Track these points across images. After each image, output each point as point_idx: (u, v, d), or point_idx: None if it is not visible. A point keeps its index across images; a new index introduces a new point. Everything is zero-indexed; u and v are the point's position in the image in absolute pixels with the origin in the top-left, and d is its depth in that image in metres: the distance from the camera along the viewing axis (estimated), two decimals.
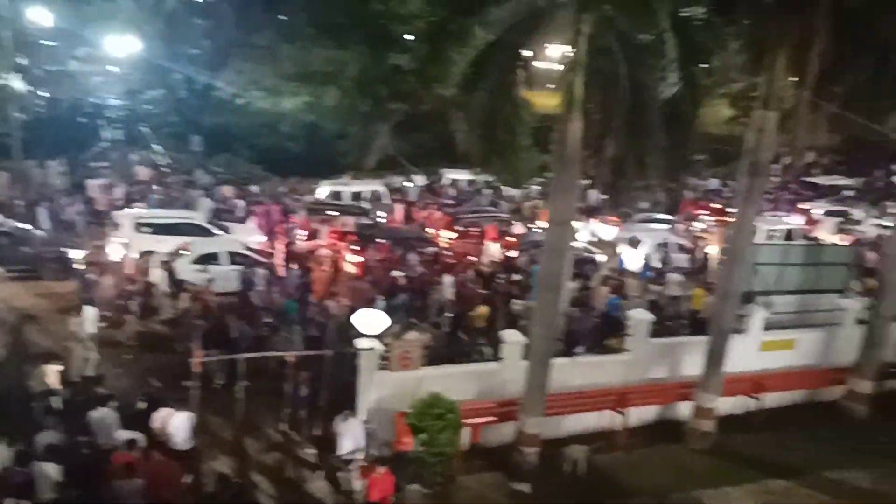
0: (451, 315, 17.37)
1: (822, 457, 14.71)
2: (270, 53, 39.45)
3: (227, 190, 28.66)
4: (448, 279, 18.85)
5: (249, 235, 22.37)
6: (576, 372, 14.60)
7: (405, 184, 33.70)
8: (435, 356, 14.32)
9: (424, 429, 12.26)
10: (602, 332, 16.77)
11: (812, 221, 31.70)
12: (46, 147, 32.90)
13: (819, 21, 11.85)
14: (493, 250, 23.14)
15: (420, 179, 34.20)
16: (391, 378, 13.16)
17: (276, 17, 39.01)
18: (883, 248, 19.11)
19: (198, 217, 22.52)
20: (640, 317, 15.36)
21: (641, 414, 15.20)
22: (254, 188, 29.87)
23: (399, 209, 27.89)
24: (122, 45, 39.87)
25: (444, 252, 22.71)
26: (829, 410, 16.77)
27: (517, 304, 17.93)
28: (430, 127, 31.16)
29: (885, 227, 25.40)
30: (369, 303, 16.36)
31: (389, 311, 15.23)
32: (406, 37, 32.11)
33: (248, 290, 18.08)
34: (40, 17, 39.25)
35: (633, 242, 24.08)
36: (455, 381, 13.44)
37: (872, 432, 15.90)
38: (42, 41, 44.73)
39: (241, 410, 13.05)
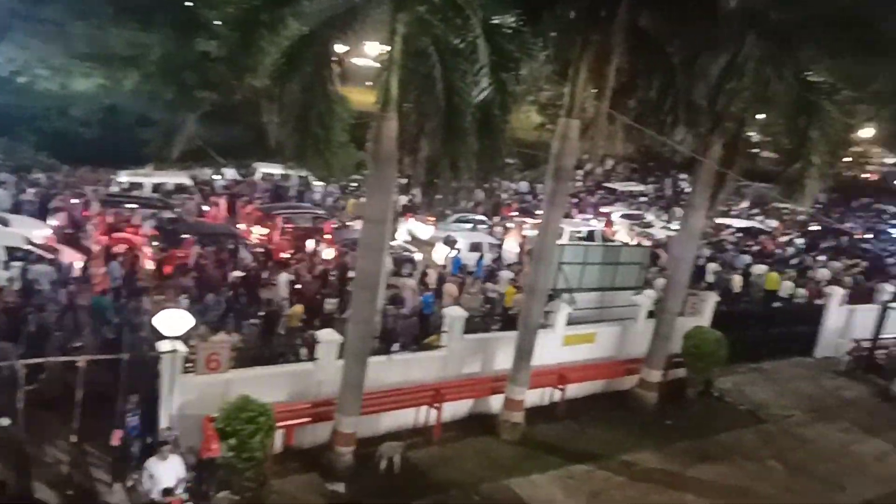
0: (265, 314, 16.74)
1: (617, 441, 15.93)
2: (59, 30, 35.71)
3: (5, 178, 25.56)
4: (284, 277, 18.20)
5: (34, 228, 20.11)
6: (392, 370, 14.66)
7: (214, 177, 32.03)
8: (247, 358, 13.74)
9: (234, 433, 11.60)
10: (419, 330, 16.99)
11: (611, 224, 34.44)
12: None
13: (616, 39, 12.79)
14: (309, 248, 22.65)
15: (230, 172, 32.66)
16: (197, 382, 12.41)
17: None
18: (670, 249, 21.01)
19: None
20: (454, 314, 15.72)
21: (456, 409, 15.58)
22: (39, 176, 26.84)
23: (207, 203, 26.42)
24: None
25: (258, 248, 21.86)
26: (624, 399, 18.12)
27: (331, 304, 17.66)
28: (241, 118, 29.87)
29: (673, 230, 28.21)
30: (173, 301, 15.35)
31: (196, 310, 14.36)
32: (216, 22, 30.54)
33: (30, 288, 16.23)
34: None
35: (449, 242, 24.70)
36: (268, 383, 12.93)
37: (660, 417, 17.51)
38: None
39: (21, 420, 11.62)
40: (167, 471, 10.66)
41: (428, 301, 18.82)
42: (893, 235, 44.80)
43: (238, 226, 24.64)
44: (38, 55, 36.31)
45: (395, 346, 15.70)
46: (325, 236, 23.30)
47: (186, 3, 31.32)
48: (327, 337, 13.82)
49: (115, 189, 26.18)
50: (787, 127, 15.02)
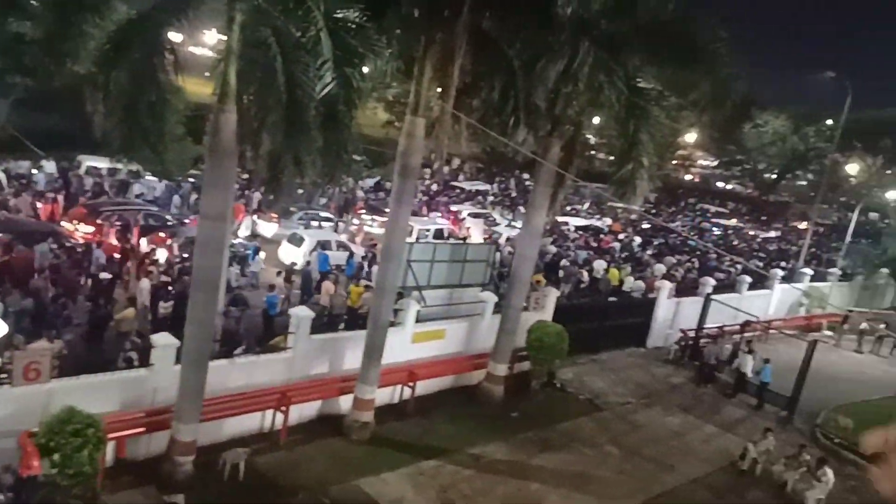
0: (92, 318, 15.51)
1: (465, 435, 16.27)
2: None
3: None
4: (145, 282, 16.95)
5: None
6: (235, 373, 14.09)
7: (32, 170, 29.20)
8: (73, 365, 12.71)
9: (57, 448, 10.69)
10: (265, 331, 16.44)
11: (460, 222, 35.17)
12: None
13: (459, 39, 13.00)
14: (143, 247, 21.26)
15: (50, 166, 29.87)
16: (14, 394, 11.31)
17: None
18: (515, 247, 21.71)
19: None
20: (301, 314, 15.35)
21: (303, 411, 15.28)
22: None
23: (24, 198, 24.04)
24: None
25: (83, 247, 20.18)
26: (472, 393, 18.58)
27: (166, 306, 16.70)
28: (62, 107, 27.34)
29: (517, 228, 29.23)
30: None
31: (11, 316, 13.04)
32: (32, 1, 27.80)
33: None
34: None
35: (295, 240, 24.15)
36: (97, 393, 12.02)
37: (506, 409, 18.11)
38: None
39: None
40: None
41: (273, 301, 18.29)
42: (716, 232, 49.24)
43: (62, 223, 22.65)
44: None
45: (239, 350, 15.09)
46: (160, 235, 21.95)
47: None
48: (162, 341, 13.02)
49: None
50: (618, 130, 15.94)
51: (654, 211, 48.59)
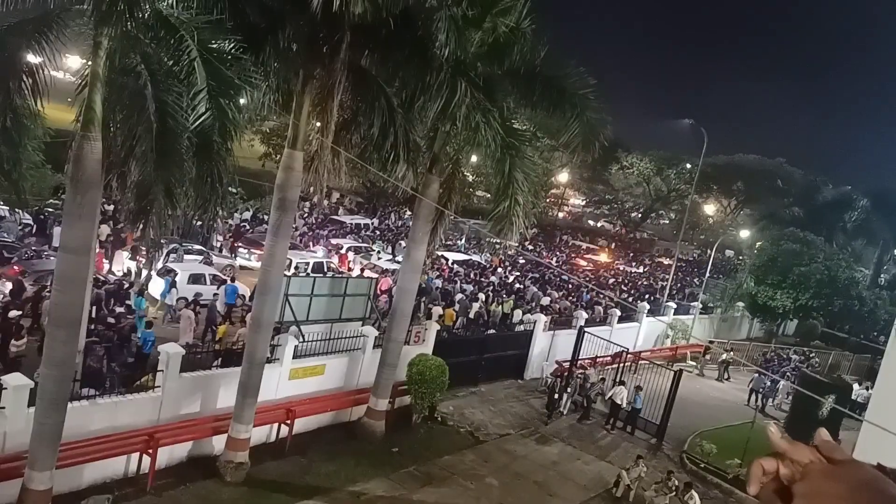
0: None
1: (346, 473, 16.02)
2: None
3: None
4: None
5: None
6: (97, 415, 13.25)
7: None
8: None
9: None
10: (134, 368, 15.59)
11: (339, 256, 34.92)
12: None
13: (338, 75, 13.12)
14: None
15: None
16: None
17: None
18: (396, 281, 21.82)
19: None
20: (171, 350, 14.68)
21: (174, 452, 14.60)
22: None
23: None
24: None
25: None
26: (352, 429, 18.34)
27: (17, 345, 15.53)
28: None
29: (398, 262, 29.42)
30: None
31: None
32: None
33: None
34: None
35: (166, 273, 23.19)
36: None
37: (387, 445, 17.98)
38: None
39: None
40: None
41: (149, 338, 17.37)
42: (588, 267, 51.51)
43: None
44: None
45: (102, 389, 14.20)
46: (13, 268, 20.42)
47: None
48: (14, 381, 12.07)
49: None
50: (495, 168, 16.50)
51: (530, 247, 50.33)
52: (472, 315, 28.05)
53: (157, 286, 23.28)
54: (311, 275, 25.73)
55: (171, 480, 14.17)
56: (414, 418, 19.45)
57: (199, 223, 25.81)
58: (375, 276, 28.50)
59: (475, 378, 23.19)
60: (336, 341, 18.70)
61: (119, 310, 19.42)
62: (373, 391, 18.47)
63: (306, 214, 42.71)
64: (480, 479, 17.34)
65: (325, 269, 29.47)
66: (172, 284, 22.67)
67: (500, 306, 29.72)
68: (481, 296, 30.38)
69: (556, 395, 22.61)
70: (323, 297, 19.19)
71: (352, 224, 44.51)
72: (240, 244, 32.61)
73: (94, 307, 17.43)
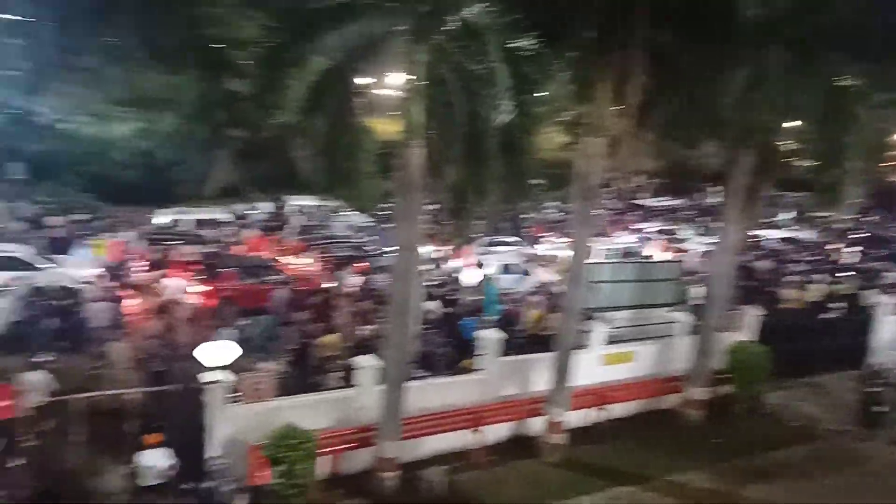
0: (300, 344, 16.96)
1: (663, 461, 15.56)
2: (97, 76, 37.13)
3: (55, 220, 26.45)
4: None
5: (81, 268, 20.76)
6: (431, 394, 14.70)
7: (249, 211, 32.72)
8: (288, 386, 14.04)
9: (280, 460, 11.92)
10: (458, 353, 17.02)
11: (648, 240, 34.06)
12: None
13: (635, 57, 12.81)
14: (344, 277, 22.93)
15: (265, 206, 33.36)
16: (243, 410, 12.66)
17: (102, 38, 36.78)
18: (709, 264, 20.63)
19: (20, 250, 20.63)
20: (490, 336, 15.70)
21: (497, 431, 15.49)
22: (82, 217, 27.70)
23: (244, 237, 26.96)
24: None
25: (295, 280, 22.19)
26: (667, 417, 17.77)
27: (366, 330, 17.82)
28: (272, 154, 30.65)
29: (709, 243, 27.79)
30: (214, 334, 15.74)
31: (237, 341, 14.61)
32: (242, 62, 31.49)
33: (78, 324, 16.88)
34: None
35: (478, 265, 24.82)
36: (310, 411, 13.14)
37: (707, 435, 17.05)
38: None
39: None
40: None
41: (470, 325, 18.72)
42: None
43: (275, 257, 25.08)
44: (77, 102, 37.77)
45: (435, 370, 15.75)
46: (358, 265, 23.65)
47: (214, 46, 32.22)
48: (365, 363, 13.95)
49: (156, 226, 26.90)
50: (818, 134, 14.76)
51: (867, 218, 43.93)
52: (810, 298, 25.05)
53: (469, 276, 24.94)
54: (618, 261, 25.51)
55: (496, 457, 15.06)
56: (735, 409, 18.27)
57: (509, 216, 27.05)
58: (684, 259, 27.27)
59: (806, 367, 20.95)
60: (645, 328, 18.33)
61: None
62: (688, 379, 17.76)
63: (610, 200, 42.43)
64: (818, 478, 15.64)
65: (633, 255, 29.00)
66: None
67: (837, 287, 26.28)
68: (817, 276, 27.16)
69: None
70: (630, 283, 18.88)
71: (657, 207, 43.19)
72: (543, 234, 33.55)
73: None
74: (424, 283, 19.66)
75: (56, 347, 16.00)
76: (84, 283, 19.09)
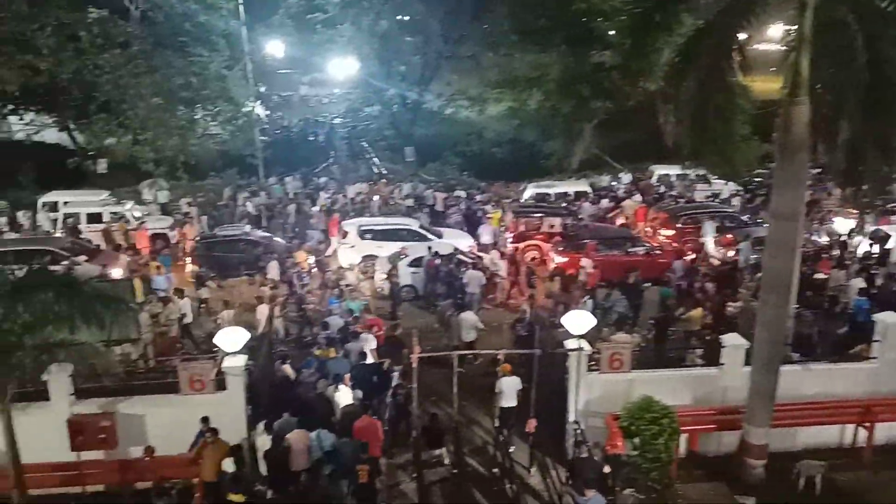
0: (660, 317, 16.59)
1: None
2: (475, 63, 40.79)
3: (440, 196, 29.78)
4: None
5: (461, 240, 23.09)
6: (809, 380, 13.27)
7: (611, 182, 32.91)
8: (645, 359, 13.90)
9: (637, 433, 11.91)
10: (846, 337, 15.04)
11: None
12: (283, 165, 36.91)
13: None
14: (711, 248, 21.80)
15: (626, 177, 33.21)
16: (600, 380, 12.92)
17: (480, 27, 40.16)
18: None
19: (413, 224, 23.72)
20: (889, 320, 13.50)
21: (890, 430, 13.44)
22: (461, 193, 30.69)
23: (625, 207, 27.13)
24: (342, 68, 43.40)
25: (657, 251, 21.76)
26: None
27: (733, 307, 16.67)
28: (635, 123, 30.21)
29: None
30: (577, 303, 16.28)
31: (598, 311, 14.91)
32: (609, 33, 31.51)
33: (458, 289, 18.81)
34: (275, 49, 44.02)
35: (880, 237, 21.47)
36: (668, 386, 12.86)
37: None
38: (277, 70, 50.20)
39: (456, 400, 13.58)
40: None
41: (863, 307, 16.39)
42: None
43: (637, 229, 24.85)
44: (459, 88, 41.97)
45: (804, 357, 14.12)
46: (727, 236, 22.20)
47: (582, 19, 32.81)
48: (733, 341, 13.12)
49: (525, 199, 28.58)
50: None
51: None
52: None
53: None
54: None
55: (889, 459, 13.11)
56: None
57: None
58: None
59: None
60: None
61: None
62: None
63: None
64: None
65: None
66: None
67: None
68: None
69: None
70: None
71: None
72: None
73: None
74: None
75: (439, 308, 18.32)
76: (464, 252, 21.10)
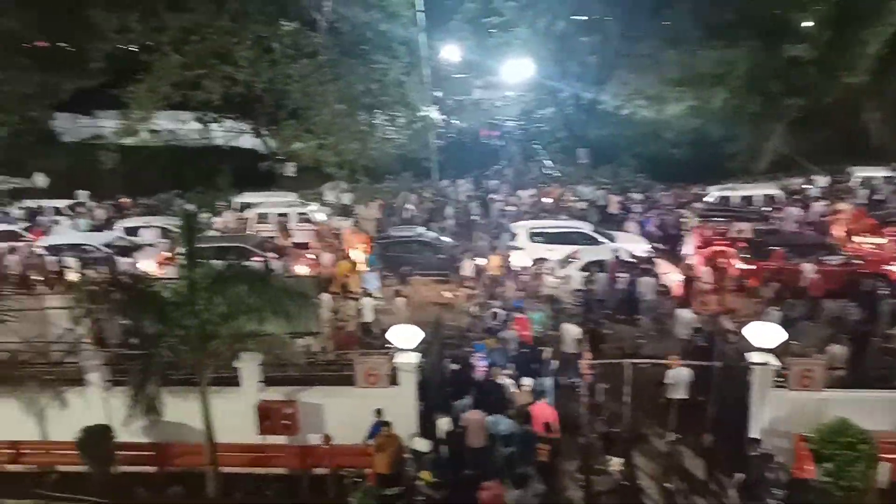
0: (860, 333, 15.09)
1: None
2: (654, 61, 39.35)
3: (613, 199, 29.05)
4: None
5: (635, 243, 22.39)
6: None
7: (804, 185, 30.27)
8: (843, 378, 12.83)
9: (830, 457, 10.96)
10: None
11: None
12: (456, 168, 37.77)
13: None
14: None
15: (822, 180, 30.31)
16: (788, 398, 12.01)
17: (660, 23, 38.66)
18: None
19: (585, 227, 23.33)
20: None
21: None
22: (636, 196, 29.70)
23: (799, 213, 25.02)
24: (517, 70, 43.62)
25: (856, 260, 19.74)
26: None
27: None
28: (831, 121, 27.50)
29: None
30: (761, 314, 15.28)
31: (786, 324, 13.83)
32: (804, 24, 28.98)
33: (632, 296, 18.38)
34: (451, 54, 45.16)
35: None
36: (869, 409, 11.68)
37: None
38: (452, 75, 51.50)
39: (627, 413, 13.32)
40: None
41: None
42: None
43: (835, 234, 22.66)
44: (636, 87, 40.70)
45: None
46: None
47: (775, 11, 30.48)
48: None
49: (708, 203, 27.09)
50: None
51: None
52: None
53: None
54: None
55: None
56: None
57: None
58: None
59: None
60: None
61: None
62: None
63: None
64: None
65: None
66: None
67: None
68: None
69: None
70: None
71: None
72: None
73: None
74: None
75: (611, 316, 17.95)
76: (637, 257, 20.41)
